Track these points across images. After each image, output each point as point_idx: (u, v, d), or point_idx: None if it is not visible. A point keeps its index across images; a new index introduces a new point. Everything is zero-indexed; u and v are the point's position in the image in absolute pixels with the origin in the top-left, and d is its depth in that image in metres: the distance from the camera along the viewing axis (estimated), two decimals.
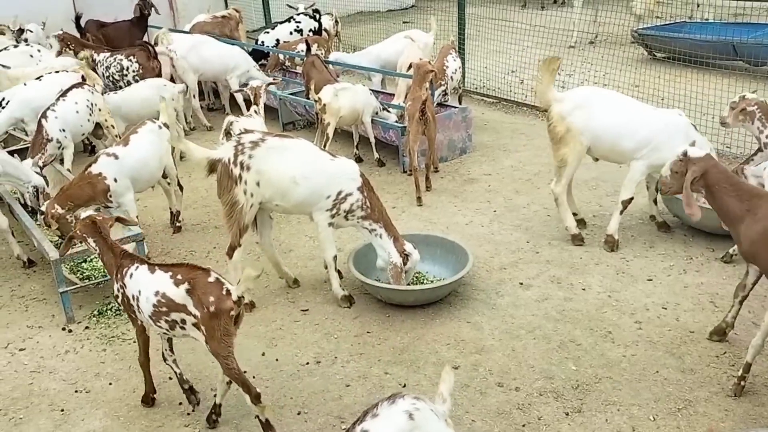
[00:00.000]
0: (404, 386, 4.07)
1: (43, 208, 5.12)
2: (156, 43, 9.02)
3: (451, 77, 7.97)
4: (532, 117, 8.99)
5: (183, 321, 3.51)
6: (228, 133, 6.25)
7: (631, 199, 5.42)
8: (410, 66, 7.25)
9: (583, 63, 10.26)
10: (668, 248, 5.49)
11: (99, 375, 4.35)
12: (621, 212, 5.48)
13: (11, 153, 6.17)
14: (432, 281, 5.13)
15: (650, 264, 5.28)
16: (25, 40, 8.77)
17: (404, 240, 4.92)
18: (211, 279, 3.46)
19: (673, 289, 4.92)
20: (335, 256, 4.96)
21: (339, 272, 5.04)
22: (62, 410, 4.05)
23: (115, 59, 8.71)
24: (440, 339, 4.50)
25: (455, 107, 7.88)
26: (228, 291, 3.42)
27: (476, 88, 10.12)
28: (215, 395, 3.83)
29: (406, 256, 4.87)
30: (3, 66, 7.93)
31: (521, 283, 5.10)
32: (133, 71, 8.69)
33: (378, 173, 7.37)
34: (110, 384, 4.26)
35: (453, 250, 5.19)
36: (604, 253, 5.46)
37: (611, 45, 10.72)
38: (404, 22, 14.09)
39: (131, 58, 8.76)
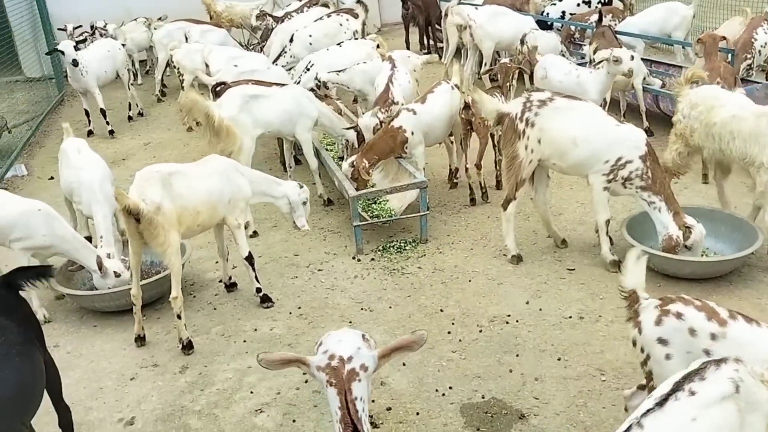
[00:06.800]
0: None
1: (351, 160, 5.80)
2: (446, 14, 9.62)
3: (759, 51, 7.27)
4: None
5: None
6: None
7: None
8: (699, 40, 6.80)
9: None
10: None
11: (381, 299, 4.93)
12: None
13: None
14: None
15: None
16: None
17: (685, 215, 4.73)
18: None
19: None
20: (608, 221, 4.94)
21: (610, 238, 5.02)
22: (350, 322, 4.68)
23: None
24: None
25: (759, 83, 7.18)
26: None
27: None
28: None
29: (687, 229, 4.67)
30: None
31: None
32: None
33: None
34: (390, 308, 4.80)
35: (740, 227, 4.87)
36: None
37: None
38: None
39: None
